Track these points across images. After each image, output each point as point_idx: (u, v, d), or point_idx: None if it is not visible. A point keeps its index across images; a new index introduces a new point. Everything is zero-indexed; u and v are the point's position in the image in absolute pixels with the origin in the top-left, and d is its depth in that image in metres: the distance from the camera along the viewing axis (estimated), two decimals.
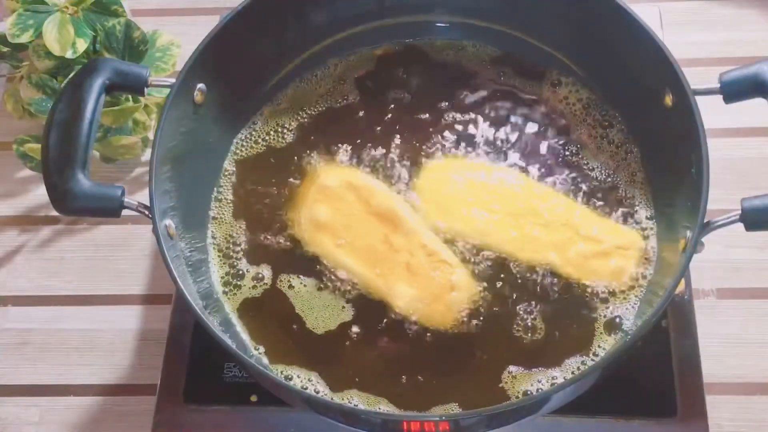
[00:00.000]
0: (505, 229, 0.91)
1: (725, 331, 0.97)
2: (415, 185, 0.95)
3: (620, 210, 0.92)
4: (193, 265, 0.88)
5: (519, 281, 0.90)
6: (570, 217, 0.92)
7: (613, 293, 0.88)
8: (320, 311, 0.89)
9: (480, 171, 0.95)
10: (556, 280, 0.89)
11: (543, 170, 0.95)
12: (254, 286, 0.91)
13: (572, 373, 0.85)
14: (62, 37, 1.01)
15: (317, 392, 0.85)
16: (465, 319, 0.88)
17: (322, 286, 0.90)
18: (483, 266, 0.90)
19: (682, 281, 0.82)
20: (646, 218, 0.92)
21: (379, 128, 0.99)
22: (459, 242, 0.91)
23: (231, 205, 0.96)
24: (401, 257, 0.90)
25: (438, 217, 0.92)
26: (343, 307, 0.89)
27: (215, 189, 0.96)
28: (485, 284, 0.89)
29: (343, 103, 1.01)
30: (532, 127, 0.98)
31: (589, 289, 0.89)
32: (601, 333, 0.87)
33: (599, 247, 0.90)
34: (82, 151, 0.81)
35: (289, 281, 0.91)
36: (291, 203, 0.95)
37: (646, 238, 0.90)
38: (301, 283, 0.91)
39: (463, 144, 0.97)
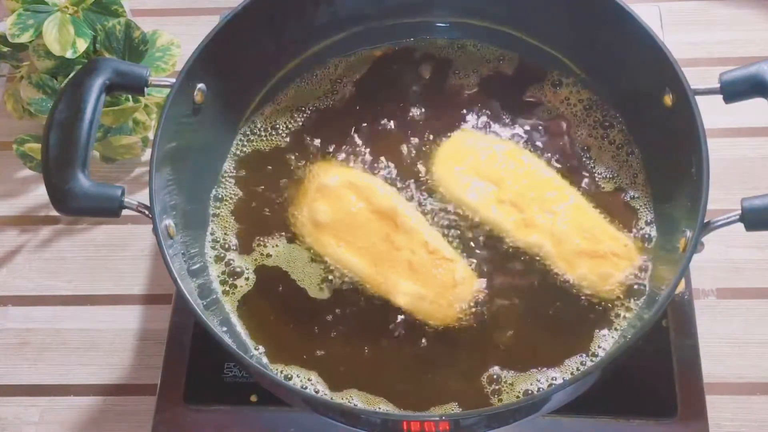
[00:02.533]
0: (511, 208, 0.91)
1: (725, 331, 0.97)
2: (437, 149, 0.96)
3: (622, 212, 0.92)
4: (193, 265, 0.88)
5: (520, 280, 0.90)
6: (577, 213, 0.91)
7: (613, 294, 0.88)
8: (322, 311, 0.89)
9: (509, 149, 0.96)
10: (557, 279, 0.89)
11: None
12: (253, 284, 0.91)
13: (572, 373, 0.85)
14: (62, 37, 1.01)
15: (317, 392, 0.85)
16: (466, 317, 0.88)
17: (323, 284, 0.90)
18: (482, 258, 0.90)
19: (682, 281, 0.82)
20: (647, 222, 0.92)
21: (379, 128, 0.99)
22: (460, 214, 0.92)
23: (231, 204, 0.96)
24: (403, 255, 0.90)
25: (450, 183, 0.93)
26: (345, 306, 0.89)
27: (215, 188, 0.96)
28: (486, 282, 0.89)
29: (344, 102, 1.01)
30: (533, 128, 0.98)
31: (589, 290, 0.89)
32: (600, 333, 0.87)
33: (595, 248, 0.90)
34: (82, 151, 0.81)
35: (289, 278, 0.91)
36: (292, 202, 0.95)
37: (646, 248, 0.90)
38: (303, 282, 0.91)
39: None
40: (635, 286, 0.88)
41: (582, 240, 0.90)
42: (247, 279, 0.92)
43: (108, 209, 0.81)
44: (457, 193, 0.93)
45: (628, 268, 0.89)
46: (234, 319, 0.90)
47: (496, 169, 0.94)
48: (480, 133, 0.97)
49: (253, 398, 0.91)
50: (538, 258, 0.90)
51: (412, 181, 0.95)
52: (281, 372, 0.87)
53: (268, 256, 0.92)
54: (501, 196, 0.92)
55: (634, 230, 0.91)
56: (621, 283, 0.88)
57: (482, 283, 0.89)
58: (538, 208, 0.91)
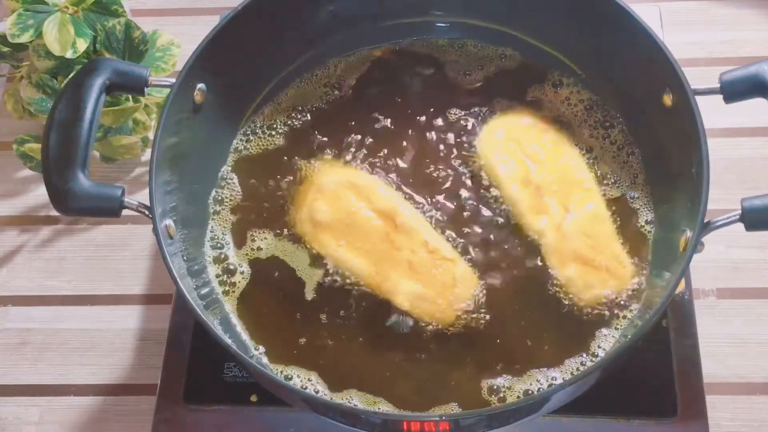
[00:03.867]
0: (533, 192, 0.92)
1: (725, 331, 0.97)
2: (490, 123, 0.97)
3: (621, 212, 0.92)
4: (193, 265, 0.88)
5: (520, 280, 0.90)
6: (592, 220, 0.91)
7: (590, 305, 0.88)
8: (322, 311, 0.89)
9: (558, 140, 0.96)
10: (558, 279, 0.89)
11: None
12: (253, 285, 0.91)
13: (572, 373, 0.85)
14: (62, 37, 1.01)
15: (317, 392, 0.85)
16: (466, 316, 0.88)
17: (323, 284, 0.90)
18: (483, 258, 0.90)
19: (682, 281, 0.82)
20: (647, 222, 0.92)
21: (379, 128, 0.99)
22: (461, 216, 0.92)
23: (231, 204, 0.96)
24: (403, 255, 0.90)
25: (490, 150, 0.95)
26: (345, 306, 0.89)
27: (215, 188, 0.96)
28: (486, 282, 0.89)
29: (344, 102, 1.01)
30: None
31: (570, 293, 0.88)
32: (600, 333, 0.87)
33: (592, 257, 0.89)
34: (82, 151, 0.81)
35: (290, 278, 0.91)
36: (291, 202, 0.95)
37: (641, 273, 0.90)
38: (303, 282, 0.91)
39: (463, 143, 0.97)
40: (636, 288, 0.88)
41: (583, 245, 0.90)
42: (246, 279, 0.92)
43: (108, 209, 0.81)
44: (492, 160, 0.94)
45: (614, 287, 0.88)
46: (234, 319, 0.90)
47: (537, 152, 0.94)
48: (537, 117, 0.98)
49: (253, 398, 0.91)
50: (538, 254, 0.90)
51: (412, 180, 0.95)
52: (281, 372, 0.87)
53: (267, 254, 0.92)
54: (530, 178, 0.92)
55: (634, 268, 0.90)
56: (601, 299, 0.88)
57: (482, 282, 0.90)
58: (557, 200, 0.91)
